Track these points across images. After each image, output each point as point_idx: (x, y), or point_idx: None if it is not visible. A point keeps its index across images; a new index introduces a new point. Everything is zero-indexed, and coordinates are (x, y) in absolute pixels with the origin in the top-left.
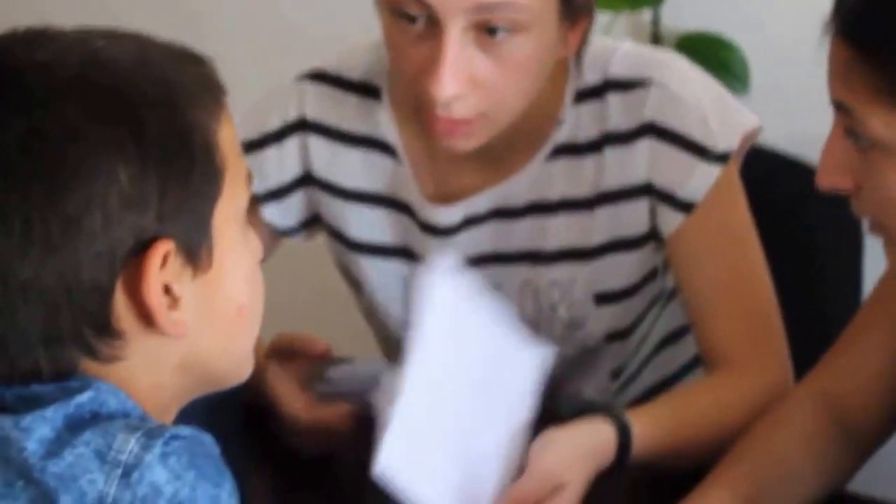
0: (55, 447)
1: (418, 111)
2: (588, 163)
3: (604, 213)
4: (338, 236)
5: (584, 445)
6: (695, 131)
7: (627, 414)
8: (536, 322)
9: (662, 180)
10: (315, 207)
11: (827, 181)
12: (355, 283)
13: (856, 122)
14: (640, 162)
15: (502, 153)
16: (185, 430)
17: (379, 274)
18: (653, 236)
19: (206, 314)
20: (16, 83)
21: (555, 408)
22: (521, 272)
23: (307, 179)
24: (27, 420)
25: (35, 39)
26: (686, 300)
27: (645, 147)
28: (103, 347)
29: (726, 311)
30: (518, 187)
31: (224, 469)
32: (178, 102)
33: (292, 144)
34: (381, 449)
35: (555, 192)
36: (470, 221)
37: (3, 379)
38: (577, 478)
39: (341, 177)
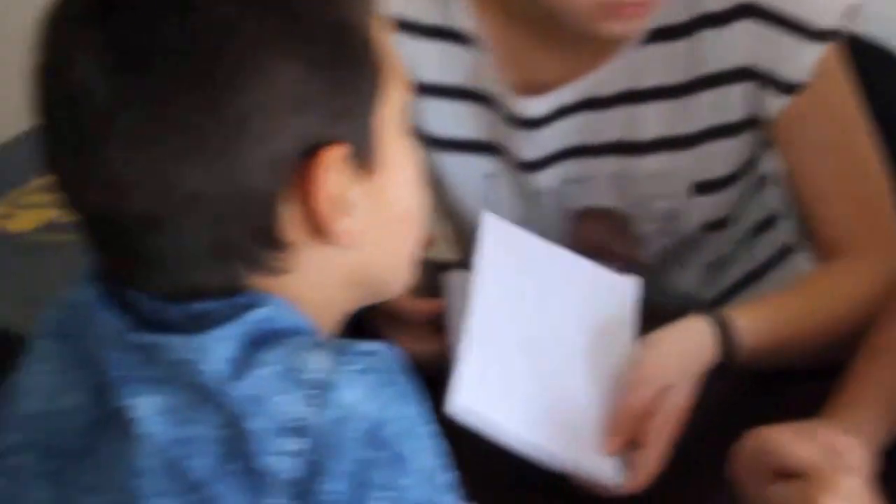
0: (238, 368)
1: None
2: (682, 47)
3: (701, 99)
4: (415, 134)
5: (688, 347)
6: (795, 8)
7: (731, 311)
8: (630, 216)
9: (763, 62)
10: None
11: None
12: (433, 183)
13: None
14: (738, 43)
15: (593, 41)
16: (376, 346)
17: (460, 170)
18: (752, 122)
19: (373, 221)
20: None
21: (652, 302)
22: (613, 164)
23: None
24: (204, 340)
25: None
26: (796, 186)
27: (742, 28)
28: (271, 260)
29: (841, 194)
30: (609, 76)
31: (415, 385)
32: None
33: None
34: (454, 386)
35: (648, 80)
36: (559, 113)
37: (167, 296)
38: (683, 380)
39: (420, 71)
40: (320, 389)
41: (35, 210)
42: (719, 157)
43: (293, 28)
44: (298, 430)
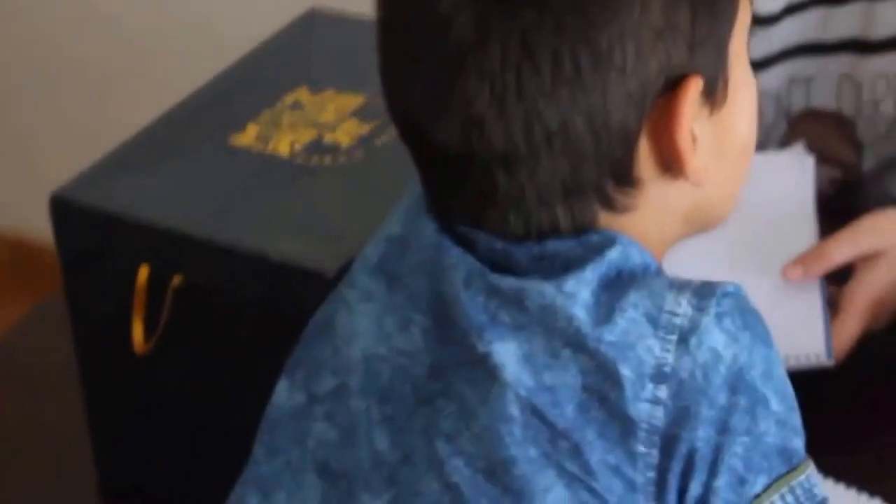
0: (604, 312)
1: None
2: None
3: None
4: None
5: None
6: None
7: None
8: (854, 121)
9: None
10: None
11: None
12: None
13: None
14: None
15: None
16: (731, 287)
17: None
18: None
19: (718, 156)
20: None
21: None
22: (842, 64)
23: None
24: (569, 284)
25: None
26: None
27: None
28: (620, 197)
29: None
30: None
31: (765, 326)
32: None
33: None
34: None
35: None
36: (792, 8)
37: (515, 236)
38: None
39: None
40: (685, 334)
41: (292, 131)
42: None
43: None
44: (666, 376)
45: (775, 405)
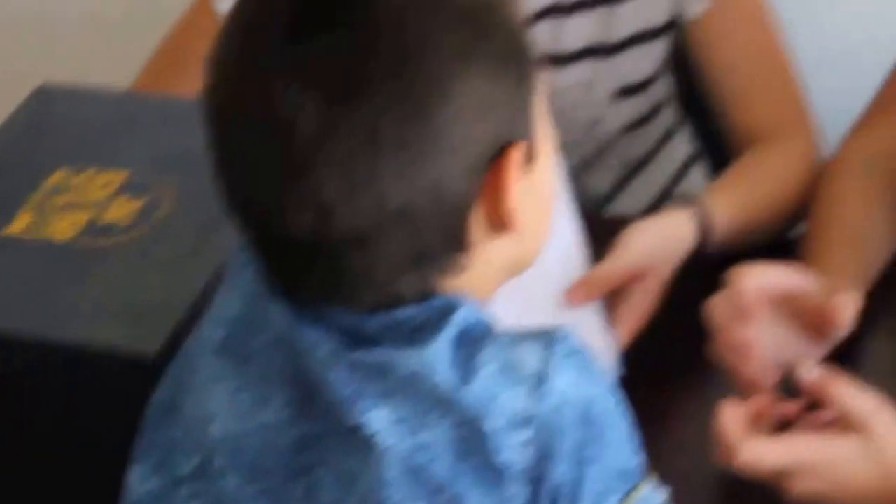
0: (463, 371)
1: None
2: None
3: (625, 7)
4: None
5: (671, 233)
6: None
7: (704, 199)
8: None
9: None
10: None
11: None
12: None
13: None
14: None
15: None
16: (565, 333)
17: None
18: (672, 24)
19: (534, 207)
20: (361, 3)
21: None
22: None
23: None
24: (430, 350)
25: None
26: (717, 81)
27: None
28: (457, 261)
29: (763, 83)
30: None
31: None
32: None
33: None
34: None
35: None
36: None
37: (364, 308)
38: (663, 266)
39: None
40: (538, 381)
41: (64, 215)
42: (641, 62)
43: (480, 35)
44: (525, 422)
45: (618, 433)
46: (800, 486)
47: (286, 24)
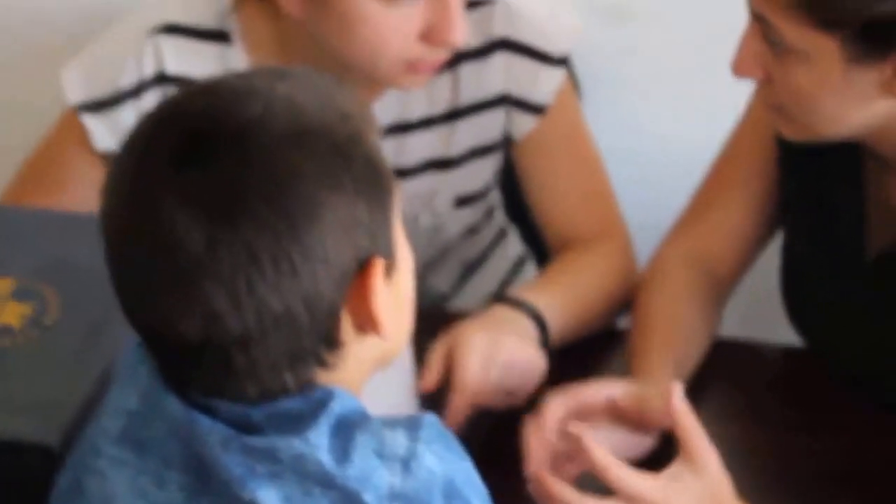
0: (341, 454)
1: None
2: (443, 81)
3: (463, 126)
4: None
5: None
6: (539, 41)
7: (527, 297)
8: None
9: (517, 89)
10: None
11: (742, 70)
12: None
13: (772, 30)
14: (496, 75)
15: (363, 81)
16: (428, 416)
17: None
18: (506, 140)
19: (396, 310)
20: (239, 139)
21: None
22: None
23: None
24: (312, 436)
25: (235, 97)
26: (537, 193)
27: (499, 60)
28: (331, 357)
29: (579, 195)
30: (380, 111)
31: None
32: (361, 130)
33: (151, 99)
34: None
35: (414, 112)
36: None
37: (250, 400)
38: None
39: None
40: (406, 460)
41: None
42: (478, 174)
43: (341, 164)
44: (398, 496)
45: (478, 500)
46: None
47: (172, 154)
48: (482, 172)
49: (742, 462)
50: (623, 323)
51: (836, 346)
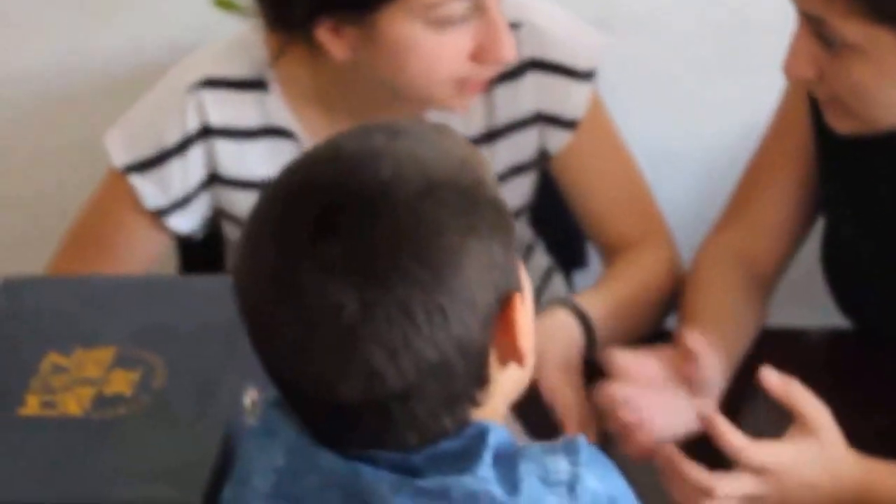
0: (510, 486)
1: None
2: (478, 104)
3: (502, 145)
4: None
5: (558, 330)
6: (567, 58)
7: (579, 301)
8: None
9: (549, 107)
10: (219, 205)
11: (794, 71)
12: None
13: (828, 29)
14: (528, 94)
15: (398, 110)
16: (581, 439)
17: None
18: (541, 156)
19: (530, 336)
20: (374, 203)
21: None
22: None
23: (212, 180)
24: (480, 471)
25: (360, 162)
26: (581, 205)
27: (530, 80)
28: (482, 395)
29: (625, 198)
30: None
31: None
32: (480, 172)
33: (197, 153)
34: None
35: None
36: None
37: (410, 447)
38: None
39: (248, 169)
40: (571, 485)
41: (71, 392)
42: (519, 191)
43: (471, 209)
44: None
45: None
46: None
47: (312, 229)
48: (521, 188)
49: None
50: (671, 324)
51: (889, 324)
